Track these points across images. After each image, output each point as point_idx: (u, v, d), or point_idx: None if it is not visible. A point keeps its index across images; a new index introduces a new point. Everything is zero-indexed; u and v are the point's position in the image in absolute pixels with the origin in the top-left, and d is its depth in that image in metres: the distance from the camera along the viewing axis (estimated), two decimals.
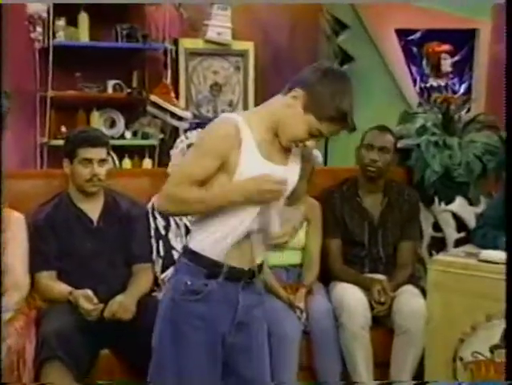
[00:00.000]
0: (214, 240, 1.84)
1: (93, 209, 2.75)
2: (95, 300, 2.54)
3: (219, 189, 1.80)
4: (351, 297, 2.89)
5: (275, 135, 1.84)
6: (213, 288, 1.84)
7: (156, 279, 2.82)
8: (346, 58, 4.90)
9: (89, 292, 2.55)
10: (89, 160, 2.68)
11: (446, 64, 4.61)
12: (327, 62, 1.91)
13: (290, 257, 3.04)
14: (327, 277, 3.09)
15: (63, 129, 4.20)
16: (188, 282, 1.84)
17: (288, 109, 1.80)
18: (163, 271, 2.80)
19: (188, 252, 1.88)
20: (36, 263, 2.64)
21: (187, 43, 4.58)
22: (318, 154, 3.65)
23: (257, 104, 4.70)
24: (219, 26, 4.55)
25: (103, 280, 2.67)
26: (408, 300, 2.89)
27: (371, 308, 2.90)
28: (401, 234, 3.13)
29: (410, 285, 3.02)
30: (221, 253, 1.84)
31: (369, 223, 3.13)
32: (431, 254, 3.46)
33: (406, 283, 3.02)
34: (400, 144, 3.37)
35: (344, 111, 1.76)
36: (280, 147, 1.85)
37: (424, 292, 2.89)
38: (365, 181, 3.14)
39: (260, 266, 1.93)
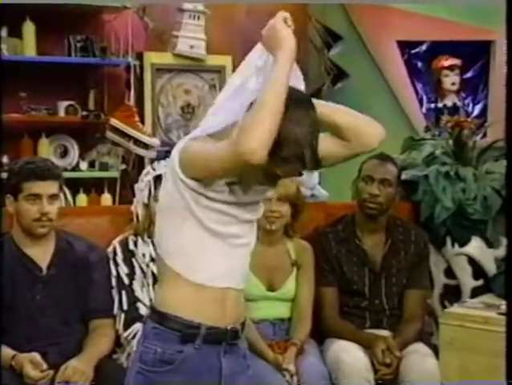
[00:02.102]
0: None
1: (42, 255, 2.74)
2: (44, 366, 2.52)
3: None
4: (349, 357, 2.89)
5: None
6: (189, 355, 1.82)
7: (117, 338, 2.80)
8: (339, 74, 4.99)
9: (36, 356, 2.52)
10: (37, 196, 2.68)
11: (453, 82, 4.69)
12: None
13: (278, 310, 3.04)
14: (320, 333, 3.09)
15: (5, 160, 4.19)
16: (159, 350, 1.82)
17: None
18: (126, 328, 2.78)
19: (155, 313, 1.87)
20: None
21: (153, 58, 4.63)
22: (321, 193, 3.71)
23: None
24: (191, 38, 4.61)
25: (54, 340, 2.64)
26: (418, 361, 2.89)
27: (375, 371, 2.90)
28: (408, 282, 3.15)
29: (420, 342, 3.02)
30: (196, 310, 1.83)
31: (370, 269, 3.15)
32: (444, 306, 3.48)
33: (415, 340, 3.02)
34: (404, 176, 3.42)
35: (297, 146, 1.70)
36: None
37: (436, 351, 2.91)
38: (364, 219, 3.17)
39: (243, 324, 1.93)
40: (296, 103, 1.72)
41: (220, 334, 1.85)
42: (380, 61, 5.03)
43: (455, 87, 4.72)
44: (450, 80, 4.72)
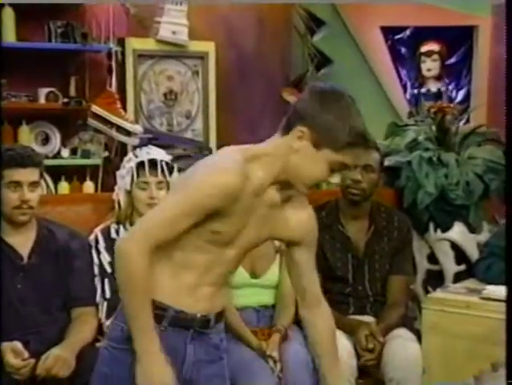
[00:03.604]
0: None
1: (23, 243, 2.73)
2: (26, 354, 2.51)
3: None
4: None
5: (283, 184, 1.87)
6: None
7: (100, 326, 2.80)
8: (323, 60, 4.98)
9: (18, 344, 2.51)
10: (17, 183, 2.67)
11: (429, 68, 4.71)
12: (319, 84, 1.95)
13: (262, 297, 3.05)
14: None
15: None
16: (125, 327, 1.83)
17: (297, 154, 1.82)
18: (108, 316, 2.77)
19: None
20: None
21: (135, 44, 4.60)
22: None
23: (218, 116, 4.83)
24: (173, 24, 4.58)
25: (36, 329, 2.64)
26: (401, 346, 2.91)
27: (358, 356, 2.92)
28: (391, 268, 3.17)
29: (403, 328, 3.04)
30: (168, 293, 1.84)
31: (353, 255, 3.16)
32: (427, 291, 3.50)
33: (398, 326, 3.04)
34: (387, 162, 3.43)
35: (360, 131, 1.81)
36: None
37: (419, 336, 2.92)
38: (347, 205, 3.18)
39: (219, 314, 1.94)
40: (340, 94, 1.84)
41: (188, 319, 1.86)
42: (364, 47, 5.02)
43: (431, 73, 4.74)
44: (426, 66, 4.74)
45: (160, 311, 1.84)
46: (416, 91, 4.85)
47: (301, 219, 1.94)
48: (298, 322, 3.06)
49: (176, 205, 1.79)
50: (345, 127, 1.79)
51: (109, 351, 1.88)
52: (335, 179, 3.11)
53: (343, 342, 2.92)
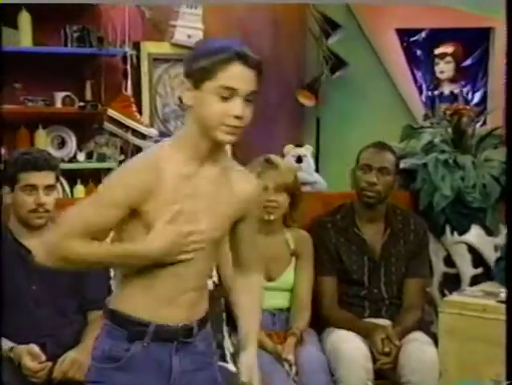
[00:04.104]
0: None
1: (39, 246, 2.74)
2: (43, 357, 2.52)
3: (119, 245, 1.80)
4: (349, 346, 2.90)
5: (212, 154, 1.82)
6: (136, 353, 1.81)
7: None
8: (338, 63, 4.98)
9: (35, 347, 2.52)
10: (33, 187, 2.68)
11: (442, 70, 4.70)
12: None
13: (277, 300, 3.04)
14: (320, 323, 3.09)
15: (2, 151, 4.19)
16: (107, 347, 1.83)
17: (193, 107, 1.79)
18: None
19: (106, 310, 1.87)
20: None
21: (151, 47, 4.62)
22: (319, 179, 3.72)
23: None
24: (188, 27, 4.60)
25: (52, 331, 2.64)
26: (418, 349, 2.90)
27: (374, 360, 2.91)
28: (407, 271, 3.16)
29: (419, 331, 3.03)
30: (146, 308, 1.82)
31: (369, 258, 3.15)
32: (443, 294, 3.49)
33: (414, 329, 3.03)
34: (403, 164, 3.41)
35: (220, 47, 1.75)
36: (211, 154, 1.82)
37: (436, 339, 2.91)
38: (363, 208, 3.17)
39: (203, 320, 1.90)
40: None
41: (170, 332, 1.83)
42: (379, 49, 5.02)
43: (445, 75, 4.73)
44: (439, 68, 4.73)
45: (141, 328, 1.81)
46: (431, 93, 4.84)
47: (246, 191, 1.88)
48: (313, 325, 3.06)
49: (90, 201, 1.82)
50: (208, 53, 1.75)
51: (94, 371, 1.86)
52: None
53: (359, 345, 2.92)
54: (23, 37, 4.24)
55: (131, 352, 1.81)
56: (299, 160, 3.57)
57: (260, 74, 1.79)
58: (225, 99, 1.74)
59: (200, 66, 1.75)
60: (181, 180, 1.79)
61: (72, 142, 4.46)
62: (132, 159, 1.90)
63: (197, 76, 1.76)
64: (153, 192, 1.75)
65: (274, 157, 3.03)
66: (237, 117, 1.75)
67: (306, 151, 3.67)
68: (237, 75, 1.75)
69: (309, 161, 3.65)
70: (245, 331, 1.96)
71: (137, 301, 1.83)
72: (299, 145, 4.23)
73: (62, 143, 4.45)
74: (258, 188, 1.99)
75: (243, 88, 1.75)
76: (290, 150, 3.66)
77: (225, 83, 1.74)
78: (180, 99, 4.70)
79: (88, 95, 4.44)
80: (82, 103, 4.37)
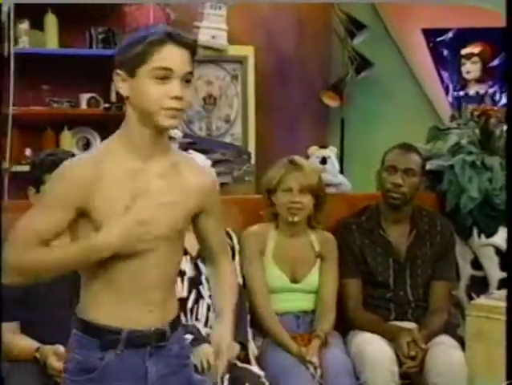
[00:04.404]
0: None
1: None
2: None
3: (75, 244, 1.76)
4: (374, 349, 2.89)
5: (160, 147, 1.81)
6: (110, 361, 1.77)
7: None
8: (363, 63, 4.96)
9: (60, 347, 2.52)
10: None
11: (468, 70, 4.66)
12: None
13: (301, 302, 3.04)
14: (344, 325, 3.08)
15: (28, 152, 4.22)
16: (80, 358, 1.79)
17: (130, 98, 1.77)
18: None
19: (76, 320, 1.83)
20: None
21: None
22: (343, 180, 3.70)
23: (257, 120, 4.83)
24: (213, 28, 4.60)
25: None
26: (444, 353, 2.88)
27: (400, 363, 2.89)
28: (433, 273, 3.14)
29: (445, 334, 3.01)
30: (116, 315, 1.78)
31: (394, 260, 3.13)
32: (470, 297, 3.46)
33: (441, 332, 3.01)
34: (429, 166, 3.39)
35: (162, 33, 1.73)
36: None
37: (462, 343, 2.89)
38: (388, 210, 3.15)
39: (175, 322, 1.87)
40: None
41: (143, 337, 1.80)
42: (405, 49, 5.00)
43: (471, 76, 4.69)
44: (466, 69, 4.70)
45: (113, 336, 1.78)
46: (458, 94, 4.80)
47: (201, 182, 1.85)
48: (338, 327, 3.05)
49: (37, 208, 1.77)
50: (140, 38, 1.74)
51: (68, 383, 1.83)
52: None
53: (384, 348, 2.90)
54: (49, 39, 4.27)
55: (105, 360, 1.78)
56: (324, 161, 3.56)
57: (194, 54, 1.77)
58: (161, 81, 1.71)
59: (133, 52, 1.73)
60: (128, 176, 1.76)
61: (97, 143, 4.48)
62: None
63: (132, 64, 1.74)
64: (95, 188, 1.72)
65: (298, 158, 3.03)
66: (176, 98, 1.71)
67: (331, 152, 3.65)
68: (171, 56, 1.72)
69: (333, 162, 3.63)
70: (219, 308, 1.95)
71: (105, 306, 1.79)
72: (324, 146, 4.21)
73: (87, 145, 4.48)
74: (213, 178, 1.96)
75: (179, 68, 1.72)
76: (315, 151, 3.64)
77: (159, 63, 1.71)
78: (204, 100, 4.71)
79: (113, 97, 4.45)
80: (107, 105, 4.39)
